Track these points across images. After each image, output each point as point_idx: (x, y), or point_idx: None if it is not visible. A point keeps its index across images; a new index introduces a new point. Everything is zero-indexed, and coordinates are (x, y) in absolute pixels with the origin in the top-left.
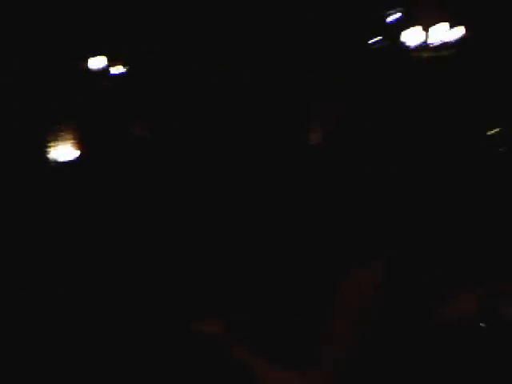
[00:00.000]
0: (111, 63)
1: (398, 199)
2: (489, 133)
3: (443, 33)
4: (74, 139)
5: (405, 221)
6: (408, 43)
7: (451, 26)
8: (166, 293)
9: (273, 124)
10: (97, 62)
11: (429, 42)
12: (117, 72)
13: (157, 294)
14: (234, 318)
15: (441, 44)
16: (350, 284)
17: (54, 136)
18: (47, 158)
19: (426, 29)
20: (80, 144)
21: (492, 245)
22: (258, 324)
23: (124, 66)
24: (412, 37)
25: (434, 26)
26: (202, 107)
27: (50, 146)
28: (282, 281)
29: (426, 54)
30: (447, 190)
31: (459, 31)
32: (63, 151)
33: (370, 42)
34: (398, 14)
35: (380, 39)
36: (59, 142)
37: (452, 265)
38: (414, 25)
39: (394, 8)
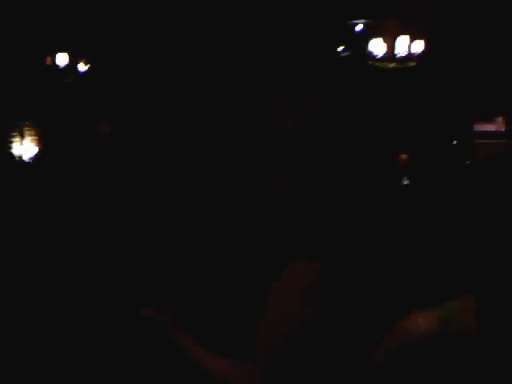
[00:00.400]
0: (78, 60)
1: (352, 202)
2: (452, 143)
3: (407, 45)
4: (37, 135)
5: (354, 225)
6: (374, 53)
7: (414, 39)
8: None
9: (240, 122)
10: (63, 59)
11: (395, 52)
12: (83, 69)
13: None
14: (179, 307)
15: (405, 55)
16: (282, 282)
17: (18, 131)
18: (11, 154)
19: (390, 40)
20: (43, 140)
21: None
22: (202, 315)
23: (90, 63)
24: (378, 47)
25: (398, 38)
26: (167, 105)
27: (13, 142)
28: (227, 274)
29: (391, 65)
30: (405, 194)
31: (422, 44)
32: (27, 147)
33: (338, 50)
34: (365, 26)
35: (347, 48)
36: (23, 138)
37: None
38: (379, 36)
39: (360, 19)
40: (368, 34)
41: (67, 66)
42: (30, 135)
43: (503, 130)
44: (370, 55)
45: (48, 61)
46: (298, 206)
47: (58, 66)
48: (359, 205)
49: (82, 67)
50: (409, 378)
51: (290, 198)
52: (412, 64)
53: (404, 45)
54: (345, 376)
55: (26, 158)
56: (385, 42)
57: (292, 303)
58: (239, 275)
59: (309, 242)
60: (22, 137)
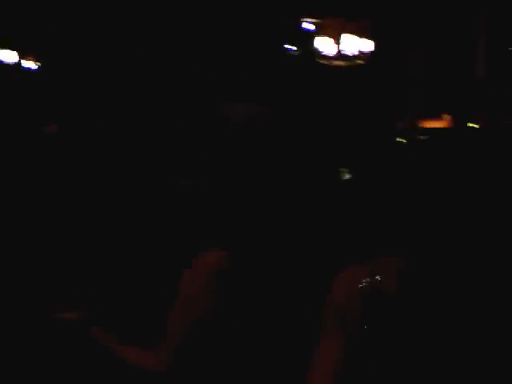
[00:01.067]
0: (24, 57)
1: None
2: (398, 139)
3: (355, 43)
4: None
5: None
6: (322, 51)
7: (362, 37)
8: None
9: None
10: (9, 55)
11: (341, 51)
12: (29, 66)
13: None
14: (92, 304)
15: (353, 54)
16: (191, 270)
17: None
18: None
19: (338, 38)
20: None
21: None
22: (113, 308)
23: (37, 61)
24: (325, 45)
25: (346, 36)
26: (116, 104)
27: None
28: (138, 265)
29: (339, 63)
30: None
31: (369, 43)
32: None
33: (285, 48)
34: (313, 24)
35: (297, 46)
36: None
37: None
38: (327, 34)
39: (307, 17)
40: (317, 32)
41: (15, 63)
42: None
43: (450, 126)
44: (318, 53)
45: None
46: (211, 199)
47: (3, 62)
48: (275, 199)
49: (30, 64)
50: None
51: (204, 190)
52: (360, 62)
53: (351, 43)
54: (255, 358)
55: None
56: (333, 40)
57: (201, 290)
58: (151, 265)
59: (218, 232)
60: None
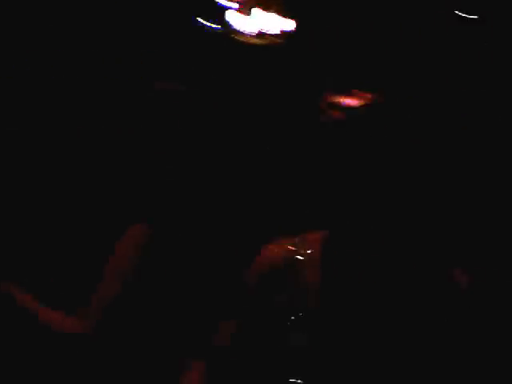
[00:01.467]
0: None
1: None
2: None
3: (274, 22)
4: None
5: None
6: (238, 29)
7: (282, 16)
8: None
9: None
10: None
11: (259, 29)
12: None
13: None
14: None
15: (273, 32)
16: (120, 241)
17: None
18: None
19: (255, 16)
20: None
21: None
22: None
23: None
24: (241, 23)
25: (265, 14)
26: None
27: None
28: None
29: (255, 41)
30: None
31: (290, 22)
32: None
33: (199, 24)
34: (228, 0)
35: (210, 23)
36: None
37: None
38: (244, 12)
39: None
40: (235, 9)
41: None
42: None
43: (368, 104)
44: (235, 30)
45: None
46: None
47: None
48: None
49: None
50: (266, 298)
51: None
52: (279, 41)
53: (271, 21)
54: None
55: None
56: (251, 17)
57: (124, 259)
58: (86, 238)
59: (144, 208)
60: None
